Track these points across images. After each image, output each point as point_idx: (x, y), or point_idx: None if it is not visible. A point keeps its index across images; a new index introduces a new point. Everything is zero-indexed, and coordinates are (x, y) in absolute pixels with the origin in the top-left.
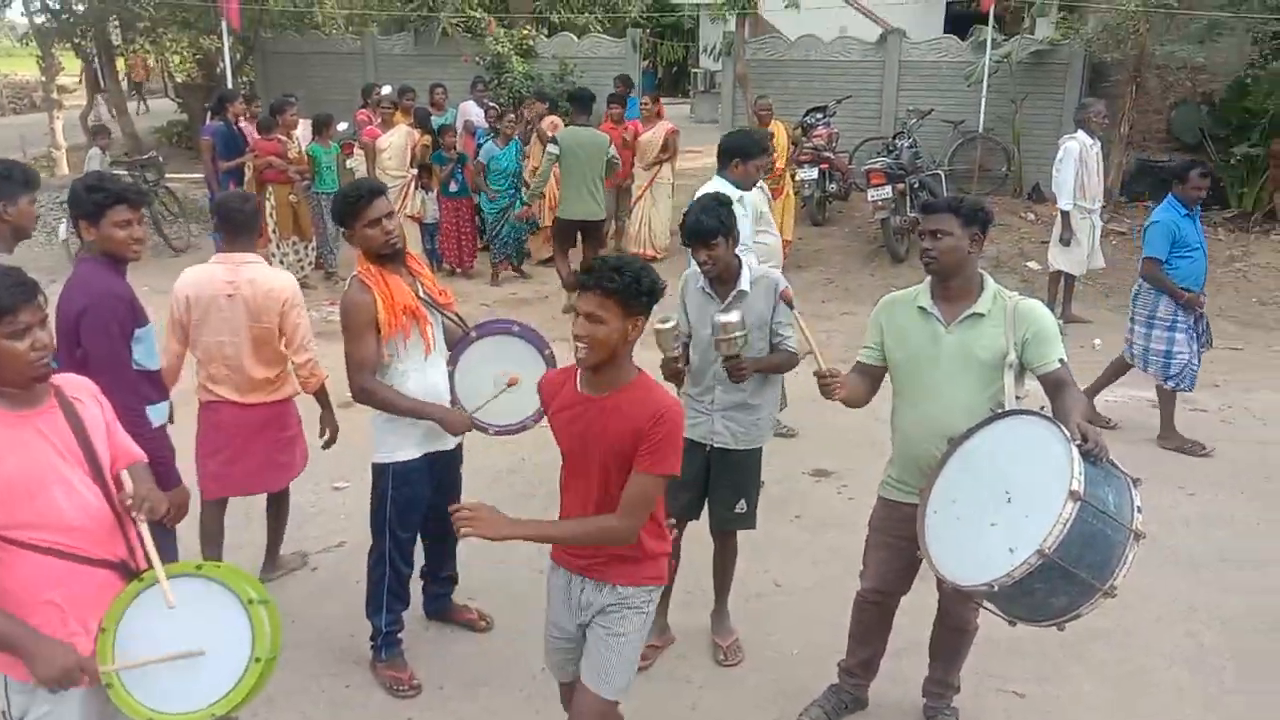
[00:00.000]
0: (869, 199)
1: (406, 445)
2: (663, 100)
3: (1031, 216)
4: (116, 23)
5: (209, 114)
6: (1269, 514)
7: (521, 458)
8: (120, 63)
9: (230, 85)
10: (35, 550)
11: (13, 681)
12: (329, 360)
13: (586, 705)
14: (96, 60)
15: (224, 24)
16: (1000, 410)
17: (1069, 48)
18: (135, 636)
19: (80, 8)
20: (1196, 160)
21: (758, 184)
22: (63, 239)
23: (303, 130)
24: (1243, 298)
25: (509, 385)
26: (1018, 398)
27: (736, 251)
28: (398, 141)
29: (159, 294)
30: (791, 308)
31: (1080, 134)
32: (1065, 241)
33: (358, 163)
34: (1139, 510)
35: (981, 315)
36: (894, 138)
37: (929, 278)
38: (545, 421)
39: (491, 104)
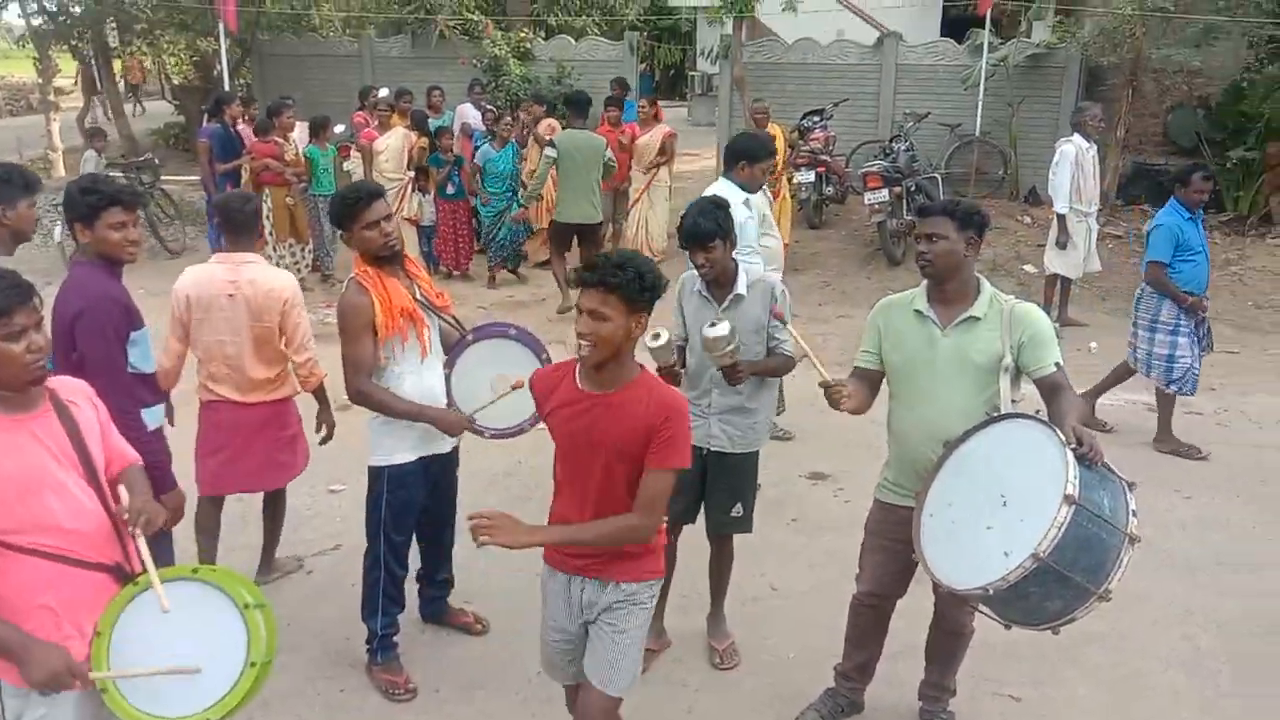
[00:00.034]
0: (865, 202)
1: (402, 448)
2: (660, 103)
3: (1028, 220)
4: (113, 25)
5: (206, 116)
6: (1265, 517)
7: (518, 460)
8: (117, 65)
9: (227, 87)
10: (29, 554)
11: (6, 685)
12: (326, 362)
13: (593, 704)
14: (93, 62)
15: (221, 26)
16: (996, 414)
17: (1065, 51)
18: (131, 640)
19: (77, 10)
20: (1198, 163)
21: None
22: (58, 241)
23: (300, 132)
24: (1239, 301)
25: (513, 388)
26: (1013, 401)
27: (745, 254)
28: (394, 144)
29: (155, 296)
30: (784, 324)
31: (1076, 137)
32: (1061, 245)
33: (354, 165)
34: (1134, 514)
35: (978, 319)
36: (891, 141)
37: (925, 281)
38: (541, 424)
39: (489, 107)
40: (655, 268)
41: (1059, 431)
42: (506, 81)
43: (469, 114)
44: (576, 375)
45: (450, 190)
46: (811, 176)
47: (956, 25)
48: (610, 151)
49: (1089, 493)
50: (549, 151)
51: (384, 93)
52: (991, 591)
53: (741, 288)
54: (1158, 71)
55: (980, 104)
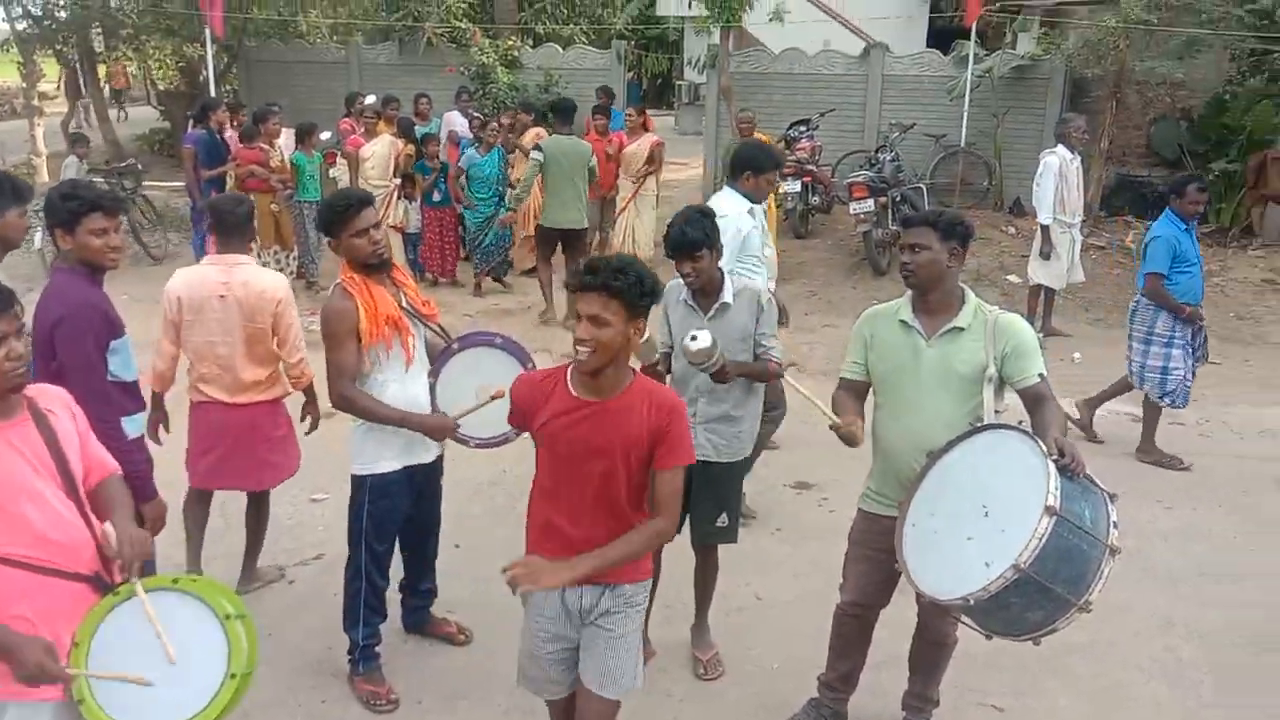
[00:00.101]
0: (851, 212)
1: (385, 457)
2: (648, 112)
3: (1012, 230)
4: (99, 30)
5: (191, 122)
6: (1246, 528)
7: (503, 470)
8: (101, 70)
9: (213, 93)
10: (5, 563)
11: None
12: (312, 368)
13: (593, 710)
14: (79, 67)
15: (208, 32)
16: (979, 424)
17: (1050, 63)
18: (109, 651)
19: (62, 15)
20: (1193, 174)
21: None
22: (38, 248)
23: (286, 139)
24: (1220, 313)
25: (493, 398)
26: (997, 411)
27: (750, 265)
28: (381, 151)
29: (138, 302)
30: (782, 374)
31: (1060, 149)
32: (1045, 255)
33: (341, 172)
34: (1115, 525)
35: (962, 329)
36: (876, 151)
37: (910, 291)
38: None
39: (476, 114)
40: (653, 273)
41: (1041, 443)
42: (494, 89)
43: (456, 122)
44: (569, 383)
45: (436, 198)
46: (797, 186)
47: (942, 37)
48: (594, 158)
49: (1070, 504)
50: (535, 155)
51: (370, 100)
52: (973, 602)
53: (728, 296)
54: (1141, 84)
55: (965, 115)
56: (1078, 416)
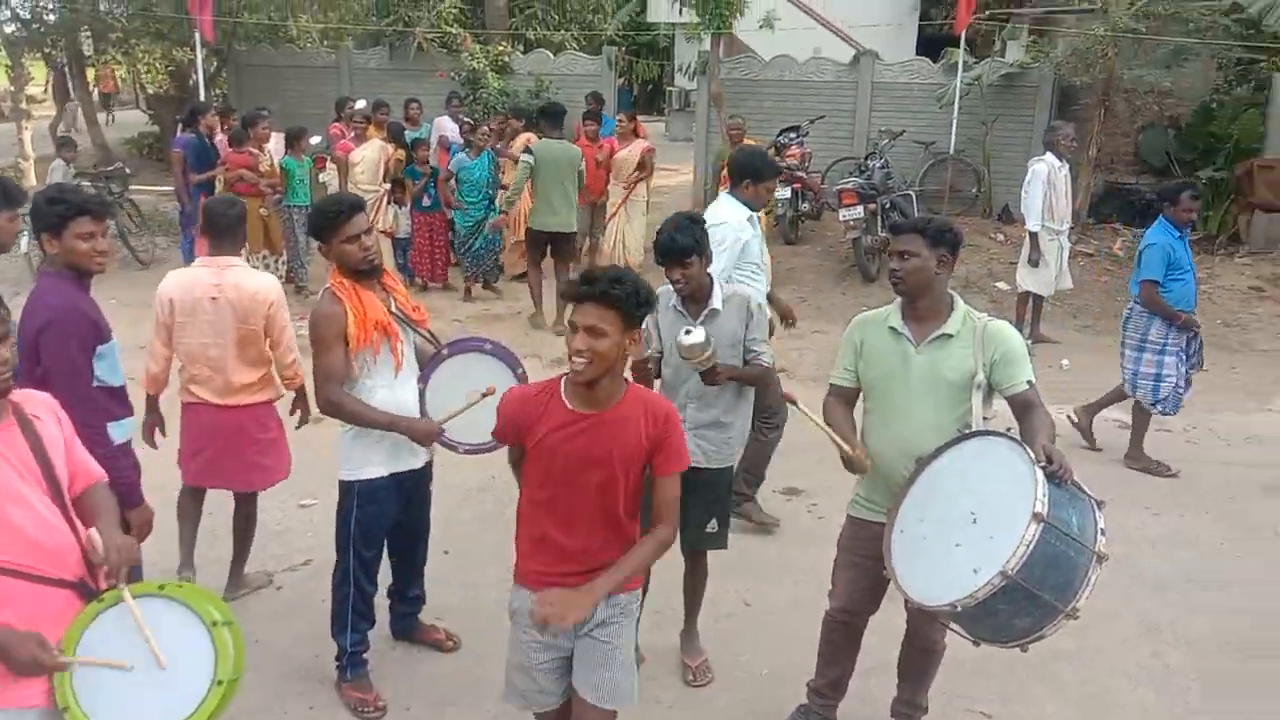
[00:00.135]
0: (841, 218)
1: (373, 462)
2: (639, 118)
3: (1001, 237)
4: (88, 33)
5: (180, 126)
6: (1233, 534)
7: (492, 475)
8: (90, 73)
9: (203, 98)
10: None
11: None
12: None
13: None
14: (67, 70)
15: (197, 36)
16: (968, 430)
17: (1038, 71)
18: (94, 657)
19: (51, 18)
20: (1187, 182)
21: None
22: (24, 251)
23: (276, 143)
24: (1207, 320)
25: (484, 395)
26: (985, 418)
27: (750, 273)
28: (370, 156)
29: (126, 307)
30: (796, 403)
31: (1049, 156)
32: (1034, 262)
33: (330, 176)
34: (1102, 532)
35: (951, 336)
36: (866, 158)
37: (899, 298)
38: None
39: (466, 119)
40: (648, 283)
41: (1029, 449)
42: (485, 95)
43: (447, 127)
44: (564, 396)
45: (426, 203)
46: (787, 193)
47: (932, 44)
48: (582, 164)
49: (1058, 511)
50: (525, 158)
51: (360, 104)
52: (960, 608)
53: (717, 302)
54: (1129, 92)
55: (955, 122)
56: (1077, 421)
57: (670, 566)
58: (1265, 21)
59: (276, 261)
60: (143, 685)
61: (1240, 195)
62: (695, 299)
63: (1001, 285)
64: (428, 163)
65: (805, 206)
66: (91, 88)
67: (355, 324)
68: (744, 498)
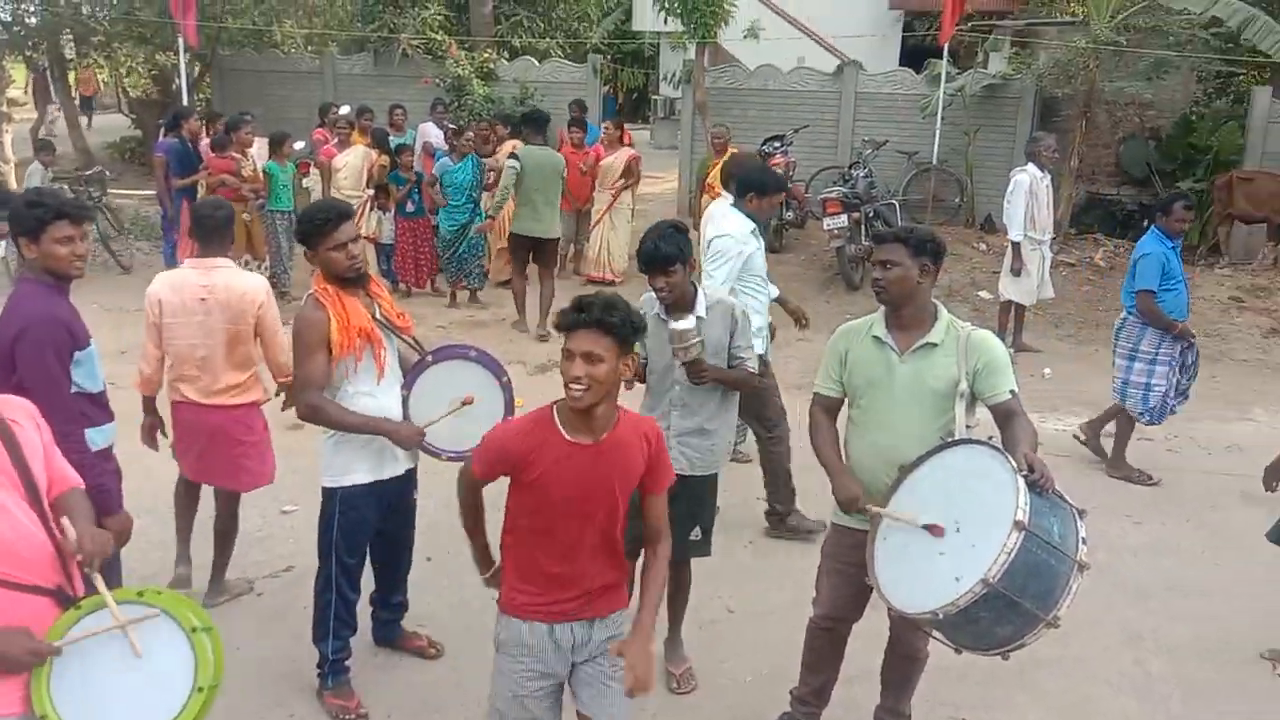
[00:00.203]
0: (825, 227)
1: (354, 469)
2: (625, 126)
3: (983, 247)
4: (70, 36)
5: (163, 130)
6: (1214, 543)
7: None
8: (71, 76)
9: (186, 102)
10: None
11: None
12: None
13: None
14: (49, 73)
15: (181, 40)
16: (950, 439)
17: (1021, 82)
18: (72, 665)
19: (33, 20)
20: (1180, 192)
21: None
22: (1, 256)
23: (259, 148)
24: None
25: (465, 403)
26: (968, 427)
27: (755, 286)
28: (354, 161)
29: (107, 311)
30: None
31: (1031, 167)
32: (1016, 272)
33: (313, 182)
34: (1084, 541)
35: (935, 345)
36: (850, 167)
37: (883, 307)
38: None
39: (451, 125)
40: (637, 310)
41: (1011, 458)
42: (469, 101)
43: (431, 133)
44: (560, 426)
45: (410, 208)
46: None
47: (915, 55)
48: (564, 170)
49: (1039, 519)
50: (511, 163)
51: (345, 110)
52: (941, 616)
53: (701, 310)
54: (1110, 104)
55: (938, 132)
56: (1084, 440)
57: None
58: (1244, 35)
59: (259, 266)
60: (122, 692)
61: (1220, 207)
62: (679, 306)
63: (984, 294)
64: (412, 168)
65: (789, 215)
66: (73, 91)
67: (338, 330)
68: (780, 516)
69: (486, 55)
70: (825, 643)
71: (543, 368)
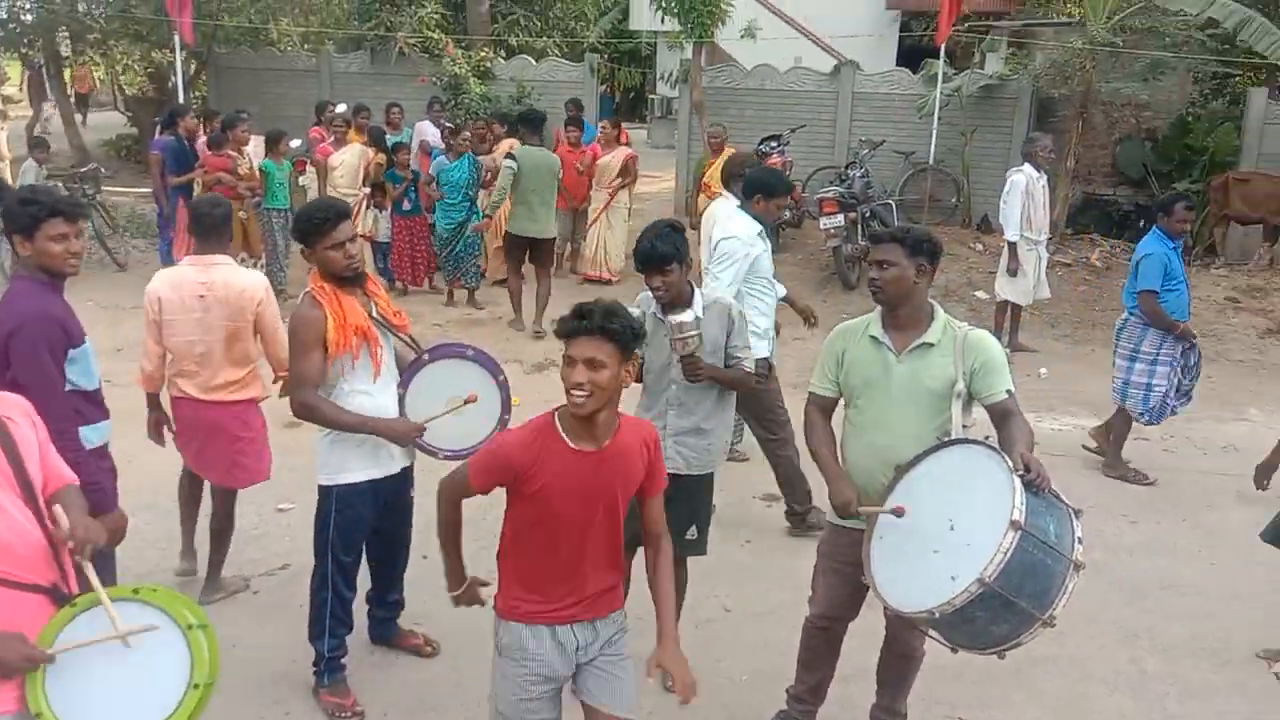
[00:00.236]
0: (821, 227)
1: (350, 467)
2: (623, 125)
3: (980, 247)
4: (66, 33)
5: (159, 128)
6: (1210, 542)
7: None
8: (66, 74)
9: (182, 100)
10: None
11: None
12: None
13: None
14: (44, 71)
15: (177, 38)
16: (947, 439)
17: (1017, 83)
18: (68, 664)
19: (28, 18)
20: (1181, 193)
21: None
22: None
23: (255, 146)
24: None
25: (466, 402)
26: (964, 426)
27: (762, 288)
28: (350, 160)
29: (103, 309)
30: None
31: (1027, 167)
32: (1012, 272)
33: (309, 180)
34: (1080, 541)
35: (932, 345)
36: (846, 167)
37: (879, 307)
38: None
39: (447, 123)
40: (637, 316)
41: (1008, 458)
42: (466, 100)
43: (428, 131)
44: (563, 434)
45: (406, 207)
46: None
47: (912, 55)
48: (560, 170)
49: (1035, 519)
50: (508, 164)
51: (341, 108)
52: (938, 615)
53: (698, 309)
54: (1106, 104)
55: (934, 133)
56: (1094, 446)
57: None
58: (1240, 37)
59: (255, 264)
60: (117, 689)
61: (1216, 208)
62: (675, 306)
63: (980, 294)
64: (408, 167)
65: (786, 214)
66: (68, 88)
67: (335, 329)
68: (800, 516)
69: (483, 54)
70: (821, 641)
71: (540, 366)
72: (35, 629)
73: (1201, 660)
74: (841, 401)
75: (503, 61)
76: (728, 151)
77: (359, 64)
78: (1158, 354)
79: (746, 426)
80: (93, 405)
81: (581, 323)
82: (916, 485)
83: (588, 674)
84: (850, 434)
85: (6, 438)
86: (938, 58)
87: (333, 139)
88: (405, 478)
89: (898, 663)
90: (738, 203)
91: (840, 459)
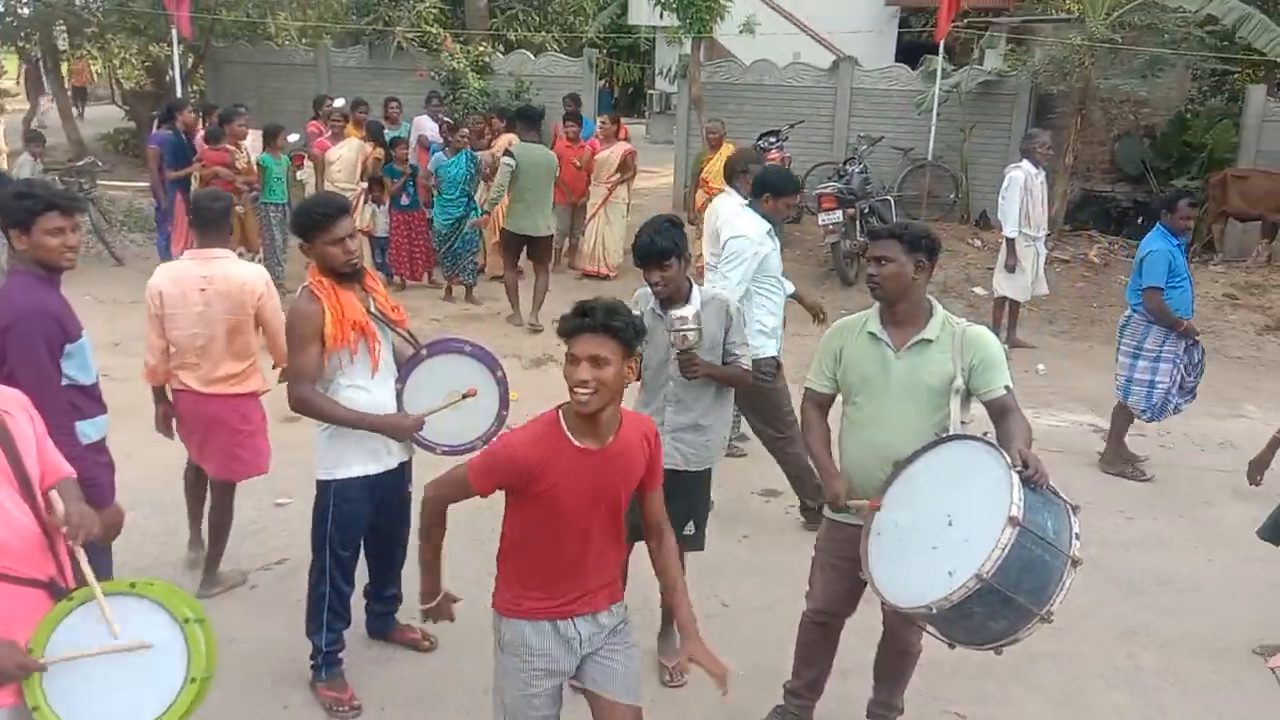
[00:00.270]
0: (820, 223)
1: (349, 462)
2: (622, 120)
3: (978, 243)
4: (63, 27)
5: (157, 122)
6: (1206, 538)
7: None
8: (64, 67)
9: (180, 94)
10: None
11: None
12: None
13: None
14: (41, 64)
15: (174, 32)
16: (945, 435)
17: (1016, 79)
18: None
19: (26, 11)
20: (1184, 190)
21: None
22: None
23: (253, 140)
24: None
25: (465, 396)
26: (962, 423)
27: (770, 286)
28: (347, 154)
29: (101, 303)
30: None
31: (1025, 163)
32: (1010, 268)
33: (307, 174)
34: (1077, 537)
35: (930, 341)
36: (845, 163)
37: (877, 303)
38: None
39: (445, 119)
40: (638, 315)
41: (1006, 454)
42: (465, 95)
43: (426, 126)
44: (568, 433)
45: (405, 201)
46: None
47: (911, 51)
48: (557, 167)
49: (1033, 515)
50: (506, 160)
51: (339, 103)
52: (935, 610)
53: (696, 305)
54: (1105, 101)
55: (933, 129)
56: (1109, 458)
57: (646, 569)
58: (1239, 34)
59: (253, 259)
60: (115, 683)
61: (1214, 204)
62: (673, 301)
63: (978, 290)
64: (407, 161)
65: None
66: (65, 82)
67: (332, 323)
68: (814, 511)
69: (482, 49)
70: (818, 637)
71: (538, 361)
72: (33, 623)
73: (1198, 656)
74: (840, 398)
75: (501, 56)
76: (726, 147)
77: (357, 58)
78: (1160, 351)
79: (754, 428)
80: (90, 400)
81: (584, 320)
82: (915, 481)
83: (592, 664)
84: (848, 430)
85: (3, 432)
86: (937, 54)
87: (330, 134)
88: (403, 473)
89: (895, 658)
90: (741, 199)
91: (838, 455)
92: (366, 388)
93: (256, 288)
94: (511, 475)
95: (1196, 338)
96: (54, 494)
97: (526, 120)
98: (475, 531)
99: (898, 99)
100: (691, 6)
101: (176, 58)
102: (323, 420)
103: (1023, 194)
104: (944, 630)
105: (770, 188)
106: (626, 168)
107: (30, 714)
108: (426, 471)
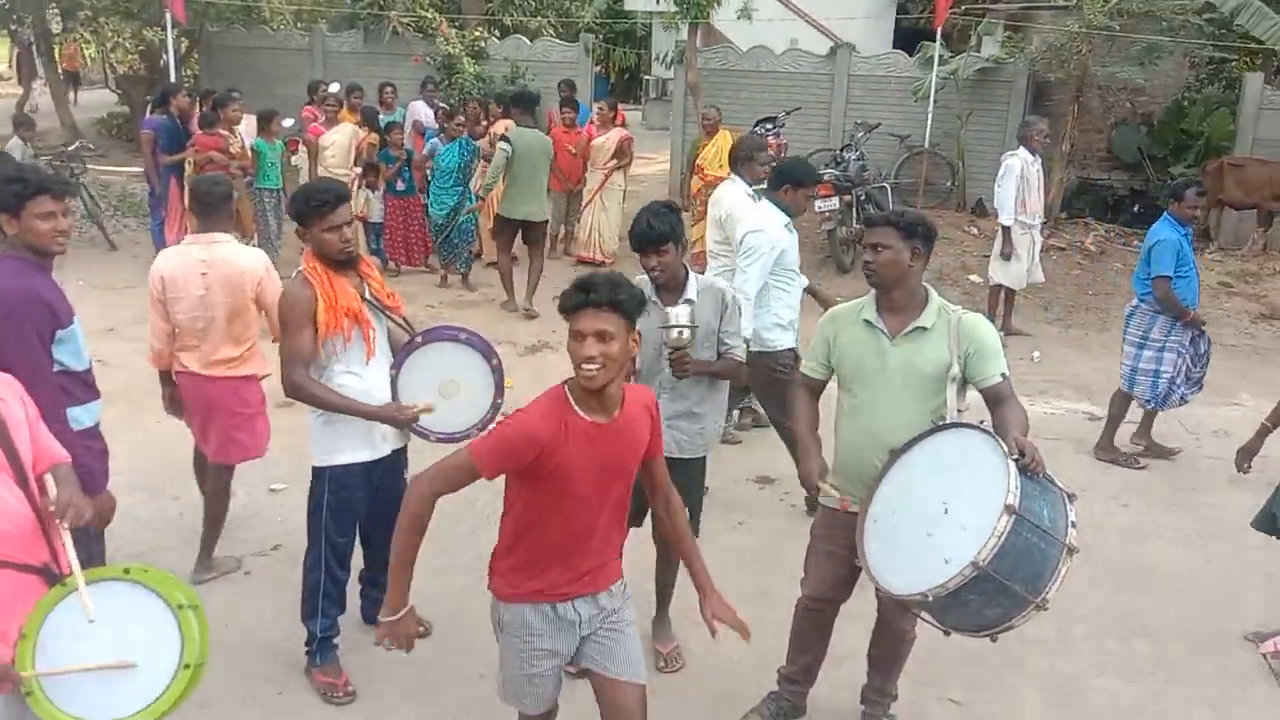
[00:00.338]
0: (816, 210)
1: (344, 448)
2: (619, 106)
3: (974, 230)
4: (56, 10)
5: (150, 107)
6: (1200, 526)
7: None
8: (56, 51)
9: (174, 78)
10: None
11: None
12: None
13: (636, 696)
14: (34, 48)
15: (168, 16)
16: (942, 423)
17: (1013, 66)
18: (58, 643)
19: None
20: (1192, 179)
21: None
22: None
23: (247, 125)
24: None
25: (458, 384)
26: (959, 410)
27: (787, 280)
28: (341, 140)
29: (94, 289)
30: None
31: (1022, 151)
32: (1006, 256)
33: (302, 160)
34: (1073, 525)
35: (926, 329)
36: (842, 150)
37: (873, 290)
38: (491, 426)
39: (441, 104)
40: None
41: (1002, 442)
42: (460, 80)
43: (421, 111)
44: (577, 409)
45: (400, 187)
46: (763, 184)
47: (908, 38)
48: (553, 154)
49: (1029, 503)
50: (503, 146)
51: (334, 88)
52: (931, 598)
53: (692, 293)
54: (1102, 88)
55: (930, 116)
56: (1144, 447)
57: (641, 554)
58: (1237, 21)
59: (247, 244)
60: (109, 670)
61: (1210, 193)
62: (670, 288)
63: (974, 278)
64: (402, 146)
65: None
66: (58, 66)
67: (325, 309)
68: (817, 502)
69: (477, 33)
70: (813, 623)
71: (533, 348)
72: (25, 608)
73: (1190, 643)
74: (837, 385)
75: (497, 41)
76: (721, 133)
77: (352, 43)
78: (1166, 340)
79: (736, 412)
80: (82, 386)
81: (587, 296)
82: (911, 468)
83: (592, 645)
84: (845, 419)
85: None
86: (934, 40)
87: (325, 119)
88: (398, 460)
89: (889, 645)
90: (746, 185)
91: (835, 442)
92: (359, 374)
93: (257, 273)
94: (527, 452)
95: (1203, 328)
96: (48, 477)
97: (522, 105)
98: (472, 517)
99: (895, 86)
100: None
101: (170, 42)
102: (315, 406)
103: (1019, 181)
104: (939, 617)
105: (791, 179)
106: (623, 154)
107: (24, 700)
108: (425, 459)
